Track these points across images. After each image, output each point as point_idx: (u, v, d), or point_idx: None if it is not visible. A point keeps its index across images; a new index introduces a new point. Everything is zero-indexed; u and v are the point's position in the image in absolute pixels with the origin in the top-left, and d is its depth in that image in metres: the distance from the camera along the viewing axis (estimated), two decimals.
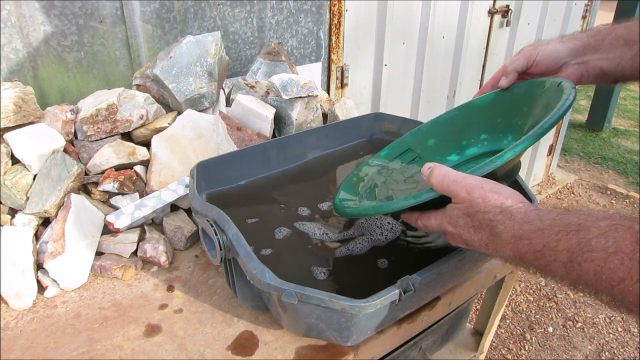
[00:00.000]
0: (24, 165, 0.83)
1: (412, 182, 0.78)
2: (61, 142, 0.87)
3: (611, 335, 1.88)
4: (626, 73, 0.68)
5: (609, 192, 3.04)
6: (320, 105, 1.21)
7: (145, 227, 0.87)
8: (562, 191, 3.06)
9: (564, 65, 0.72)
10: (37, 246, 0.79)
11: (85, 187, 0.89)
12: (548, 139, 2.91)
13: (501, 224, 0.49)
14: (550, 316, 1.97)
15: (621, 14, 3.33)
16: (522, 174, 2.88)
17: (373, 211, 0.62)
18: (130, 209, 0.84)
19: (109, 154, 0.89)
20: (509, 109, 0.74)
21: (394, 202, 0.58)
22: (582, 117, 4.09)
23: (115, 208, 0.88)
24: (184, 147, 0.95)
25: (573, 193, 3.05)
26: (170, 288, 0.77)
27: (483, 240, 0.52)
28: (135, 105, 0.94)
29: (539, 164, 2.97)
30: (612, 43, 0.68)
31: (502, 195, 0.51)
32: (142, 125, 0.96)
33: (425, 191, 0.56)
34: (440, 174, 0.54)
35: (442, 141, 0.82)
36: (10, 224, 0.80)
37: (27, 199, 0.81)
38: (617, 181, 3.18)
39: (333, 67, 1.65)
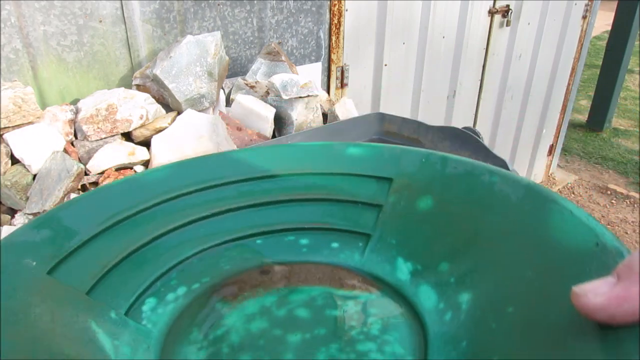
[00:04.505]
0: (24, 165, 0.83)
1: None
2: (61, 142, 0.87)
3: None
4: None
5: (609, 192, 3.03)
6: (320, 105, 1.21)
7: None
8: (562, 191, 3.06)
9: None
10: None
11: (85, 187, 0.89)
12: (548, 138, 2.91)
13: None
14: None
15: (621, 14, 3.32)
16: (522, 173, 2.88)
17: None
18: None
19: (109, 154, 0.89)
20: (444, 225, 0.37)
21: None
22: (583, 117, 4.09)
23: None
24: (184, 148, 0.95)
25: (573, 193, 3.05)
26: None
27: None
28: (135, 105, 0.94)
29: (539, 164, 2.97)
30: None
31: None
32: (142, 125, 0.96)
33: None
34: None
35: None
36: (10, 224, 0.80)
37: (27, 199, 0.81)
38: (618, 181, 3.17)
39: (333, 67, 1.65)
